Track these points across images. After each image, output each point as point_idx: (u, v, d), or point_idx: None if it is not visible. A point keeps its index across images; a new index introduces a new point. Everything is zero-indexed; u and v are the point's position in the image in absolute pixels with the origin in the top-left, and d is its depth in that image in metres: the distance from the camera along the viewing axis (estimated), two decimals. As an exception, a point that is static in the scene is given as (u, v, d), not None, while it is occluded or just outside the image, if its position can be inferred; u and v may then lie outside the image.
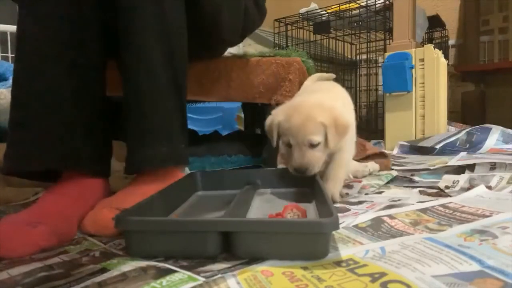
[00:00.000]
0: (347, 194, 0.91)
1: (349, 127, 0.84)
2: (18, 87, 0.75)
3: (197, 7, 0.85)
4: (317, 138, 0.80)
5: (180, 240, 0.52)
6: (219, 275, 0.46)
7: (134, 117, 0.78)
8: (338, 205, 0.80)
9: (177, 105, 0.81)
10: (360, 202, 0.81)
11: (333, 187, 0.85)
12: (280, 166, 0.95)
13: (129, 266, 0.50)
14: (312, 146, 0.80)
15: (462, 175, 0.97)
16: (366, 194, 0.90)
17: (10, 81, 1.41)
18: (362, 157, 1.24)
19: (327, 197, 0.62)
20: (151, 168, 0.79)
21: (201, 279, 0.46)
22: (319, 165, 0.81)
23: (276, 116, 0.86)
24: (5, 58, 1.97)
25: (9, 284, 0.47)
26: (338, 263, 0.48)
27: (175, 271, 0.48)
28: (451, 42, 2.75)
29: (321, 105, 0.84)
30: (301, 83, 1.16)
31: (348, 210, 0.75)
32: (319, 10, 2.48)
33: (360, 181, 1.01)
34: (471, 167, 1.05)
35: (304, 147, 0.80)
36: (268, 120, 0.88)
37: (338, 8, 2.39)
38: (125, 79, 0.79)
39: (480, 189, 0.79)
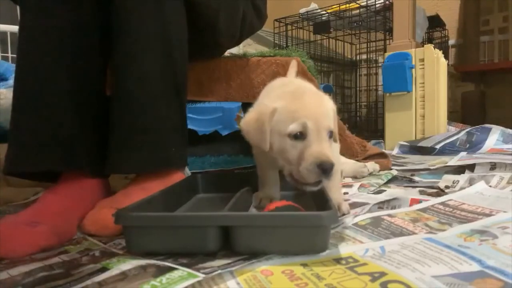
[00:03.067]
0: (345, 193, 0.91)
1: None
2: (19, 89, 0.76)
3: (194, 12, 0.84)
4: (333, 125, 0.62)
5: (180, 236, 0.52)
6: (219, 271, 0.46)
7: (126, 119, 0.77)
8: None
9: (174, 107, 0.81)
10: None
11: (338, 195, 0.74)
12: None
13: (129, 264, 0.50)
14: (330, 137, 0.62)
15: (462, 175, 0.97)
16: (368, 193, 0.90)
17: (10, 81, 1.42)
18: (363, 157, 1.24)
19: (327, 194, 0.62)
20: (142, 171, 0.79)
21: (201, 275, 0.46)
22: None
23: (266, 106, 0.63)
24: (5, 58, 1.97)
25: (9, 284, 0.47)
26: (337, 260, 0.48)
27: (174, 269, 0.48)
28: (451, 42, 2.75)
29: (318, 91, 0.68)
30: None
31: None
32: (319, 10, 2.48)
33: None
34: (471, 167, 1.05)
35: (325, 136, 0.60)
36: (251, 115, 0.65)
37: (338, 8, 2.39)
38: (117, 80, 0.78)
39: (480, 185, 0.79)
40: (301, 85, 0.70)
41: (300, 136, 0.59)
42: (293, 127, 0.59)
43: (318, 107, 0.61)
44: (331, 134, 0.61)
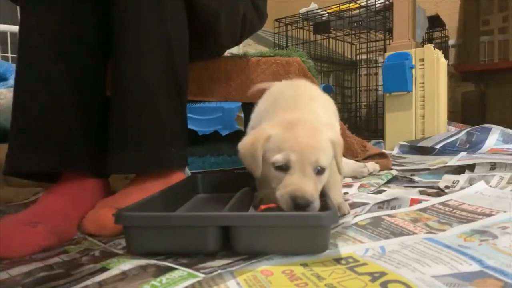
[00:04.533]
0: (345, 193, 0.91)
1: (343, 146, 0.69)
2: (19, 89, 0.76)
3: (194, 13, 0.84)
4: (326, 160, 0.61)
5: (181, 236, 0.52)
6: (219, 271, 0.46)
7: (126, 120, 0.76)
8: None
9: (174, 107, 0.81)
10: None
11: (338, 195, 0.74)
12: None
13: (129, 264, 0.50)
14: (317, 173, 0.60)
15: (462, 175, 0.97)
16: (368, 193, 0.90)
17: (10, 81, 1.42)
18: (363, 157, 1.24)
19: (327, 194, 0.62)
20: (142, 171, 0.79)
21: (201, 275, 0.46)
22: (318, 203, 0.58)
23: (263, 131, 0.63)
24: (5, 58, 1.97)
25: (9, 284, 0.47)
26: (337, 260, 0.48)
27: (174, 269, 0.48)
28: (451, 42, 2.75)
29: (321, 121, 0.67)
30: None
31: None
32: (319, 10, 2.48)
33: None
34: (471, 167, 1.05)
35: (309, 171, 0.59)
36: (248, 139, 0.64)
37: (338, 8, 2.39)
38: (117, 81, 0.78)
39: (480, 185, 0.79)
40: (304, 113, 0.67)
41: (284, 167, 0.59)
42: (277, 158, 0.59)
43: (308, 140, 0.59)
44: (319, 170, 0.60)
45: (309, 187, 0.57)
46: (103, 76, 0.84)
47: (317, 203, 0.57)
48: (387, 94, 2.00)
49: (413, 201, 0.74)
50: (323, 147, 0.61)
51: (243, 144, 0.65)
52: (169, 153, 0.80)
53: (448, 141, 1.69)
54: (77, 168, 0.77)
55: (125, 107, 0.77)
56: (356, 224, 0.62)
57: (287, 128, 0.61)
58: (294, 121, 0.63)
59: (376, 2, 2.28)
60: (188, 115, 0.99)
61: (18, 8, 0.80)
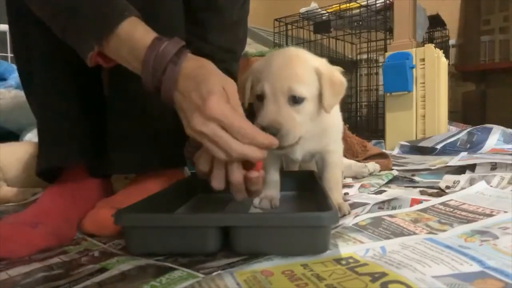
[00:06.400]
0: (346, 194, 0.91)
1: (345, 87, 0.68)
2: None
3: None
4: (303, 90, 0.59)
5: (181, 236, 0.52)
6: (219, 271, 0.46)
7: (124, 119, 0.76)
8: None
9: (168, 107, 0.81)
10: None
11: (338, 196, 0.76)
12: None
13: (129, 265, 0.50)
14: (293, 102, 0.59)
15: (462, 175, 0.97)
16: (368, 194, 0.90)
17: (9, 81, 1.42)
18: (363, 158, 1.24)
19: (327, 194, 0.62)
20: (136, 172, 0.79)
21: (200, 276, 0.46)
22: (296, 133, 0.58)
23: (254, 64, 0.65)
24: (5, 58, 1.97)
25: (9, 284, 0.47)
26: (338, 261, 0.48)
27: (174, 269, 0.48)
28: (452, 41, 2.75)
29: (313, 55, 0.66)
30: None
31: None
32: (319, 10, 2.48)
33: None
34: (472, 167, 1.05)
35: (282, 100, 0.58)
36: (244, 74, 0.67)
37: (338, 7, 2.39)
38: (112, 79, 0.77)
39: (481, 185, 0.79)
40: (290, 48, 0.68)
41: (260, 97, 0.60)
42: (257, 89, 0.60)
43: (282, 69, 0.59)
44: (296, 99, 0.59)
45: (274, 115, 0.57)
46: (100, 75, 0.84)
47: (287, 131, 0.56)
48: (388, 94, 2.00)
49: (414, 201, 0.74)
50: (299, 75, 0.59)
51: (240, 78, 0.68)
52: (168, 153, 0.79)
53: (448, 141, 1.68)
54: (75, 169, 0.76)
55: (122, 106, 0.76)
56: (356, 225, 0.62)
57: (267, 59, 0.62)
58: (280, 52, 0.64)
59: (377, 2, 2.28)
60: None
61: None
